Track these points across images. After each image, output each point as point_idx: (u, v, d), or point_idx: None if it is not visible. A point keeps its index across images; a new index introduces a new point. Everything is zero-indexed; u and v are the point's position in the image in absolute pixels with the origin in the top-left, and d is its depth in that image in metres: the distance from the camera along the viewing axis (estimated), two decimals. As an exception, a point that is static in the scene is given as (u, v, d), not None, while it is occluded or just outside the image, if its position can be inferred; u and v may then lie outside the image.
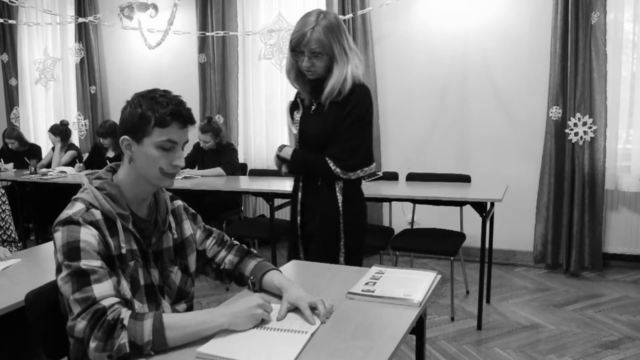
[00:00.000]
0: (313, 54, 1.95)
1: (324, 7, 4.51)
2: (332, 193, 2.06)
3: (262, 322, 1.28)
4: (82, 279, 1.18)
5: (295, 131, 2.12)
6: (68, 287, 1.18)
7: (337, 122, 2.00)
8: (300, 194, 2.14)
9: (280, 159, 2.13)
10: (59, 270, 1.22)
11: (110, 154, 4.86)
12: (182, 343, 1.18)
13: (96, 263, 1.21)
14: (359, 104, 1.99)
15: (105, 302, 1.17)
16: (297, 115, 2.14)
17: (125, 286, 1.30)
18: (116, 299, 1.19)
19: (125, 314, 1.16)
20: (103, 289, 1.19)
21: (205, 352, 1.16)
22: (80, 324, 1.14)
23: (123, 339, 1.13)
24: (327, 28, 1.94)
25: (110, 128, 4.72)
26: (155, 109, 1.29)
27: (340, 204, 2.06)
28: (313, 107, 2.08)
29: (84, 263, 1.20)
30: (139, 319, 1.16)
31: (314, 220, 2.11)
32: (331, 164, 2.00)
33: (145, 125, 1.29)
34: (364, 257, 2.24)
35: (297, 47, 1.96)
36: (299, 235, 2.17)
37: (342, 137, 1.99)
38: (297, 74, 2.07)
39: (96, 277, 1.19)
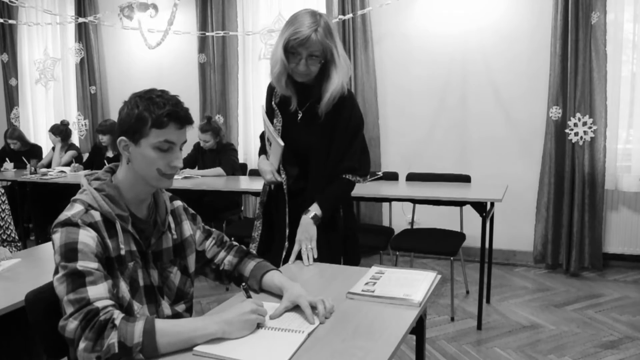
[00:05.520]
0: (311, 57, 1.84)
1: (324, 8, 4.51)
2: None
3: (258, 325, 1.27)
4: (77, 280, 1.17)
5: (281, 143, 1.93)
6: (63, 288, 1.17)
7: (338, 132, 1.93)
8: (287, 209, 1.99)
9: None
10: (56, 272, 1.22)
11: (110, 153, 4.87)
12: (173, 349, 1.16)
13: (93, 265, 1.20)
14: (355, 110, 1.97)
15: (99, 304, 1.16)
16: (278, 124, 1.98)
17: (124, 288, 1.30)
18: (110, 302, 1.18)
19: (118, 315, 1.16)
20: (98, 291, 1.18)
21: (203, 350, 1.16)
22: (72, 324, 1.14)
23: (112, 338, 1.11)
24: (327, 31, 1.83)
25: (112, 126, 4.73)
26: (152, 110, 1.27)
27: (340, 209, 2.05)
28: (300, 116, 1.96)
29: (81, 264, 1.19)
30: (130, 321, 1.15)
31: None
32: (350, 177, 1.97)
33: (142, 126, 1.28)
34: (363, 257, 2.22)
35: (296, 48, 1.82)
36: (286, 246, 2.00)
37: (353, 148, 1.96)
38: (287, 78, 1.91)
39: (91, 279, 1.18)
